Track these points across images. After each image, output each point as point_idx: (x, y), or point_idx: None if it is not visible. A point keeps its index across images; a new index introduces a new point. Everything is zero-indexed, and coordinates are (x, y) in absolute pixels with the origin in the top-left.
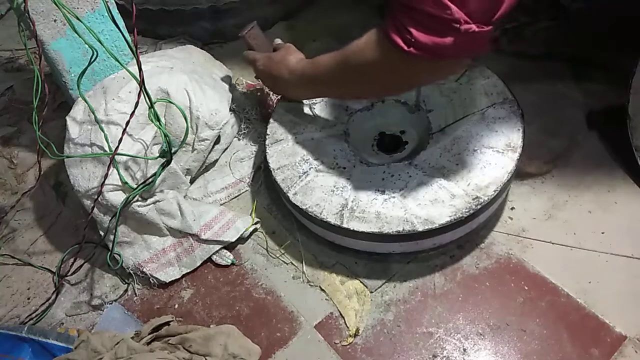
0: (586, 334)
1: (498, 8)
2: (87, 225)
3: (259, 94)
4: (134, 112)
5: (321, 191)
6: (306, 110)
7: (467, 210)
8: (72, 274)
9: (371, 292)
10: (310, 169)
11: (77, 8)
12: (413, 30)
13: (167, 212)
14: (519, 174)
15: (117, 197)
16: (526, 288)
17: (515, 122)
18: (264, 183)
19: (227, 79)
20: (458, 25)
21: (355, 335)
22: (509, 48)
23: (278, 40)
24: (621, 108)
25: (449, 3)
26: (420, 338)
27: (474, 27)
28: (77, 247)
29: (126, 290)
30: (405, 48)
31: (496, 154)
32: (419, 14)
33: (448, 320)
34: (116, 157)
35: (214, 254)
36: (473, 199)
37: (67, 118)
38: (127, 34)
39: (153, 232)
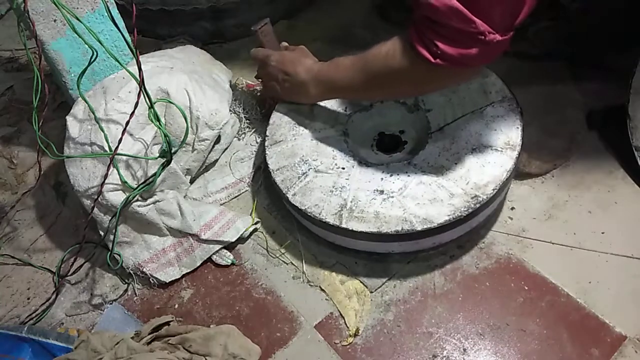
0: (586, 334)
1: (518, 15)
2: (87, 225)
3: (259, 94)
4: (134, 112)
5: (320, 192)
6: (305, 111)
7: (466, 209)
8: (72, 274)
9: (371, 292)
10: (309, 169)
11: (77, 8)
12: (439, 43)
13: (167, 212)
14: (519, 174)
15: (117, 197)
16: (526, 288)
17: (514, 120)
18: (264, 183)
19: (227, 79)
20: (483, 37)
21: (355, 335)
22: (509, 48)
23: (285, 44)
24: (621, 108)
25: (474, 17)
26: (420, 338)
27: (498, 36)
28: (77, 247)
29: (126, 290)
30: (432, 60)
31: (495, 153)
32: (444, 27)
33: (448, 320)
34: (116, 157)
35: (214, 254)
36: (472, 198)
37: (67, 118)
38: (127, 34)
39: (153, 232)
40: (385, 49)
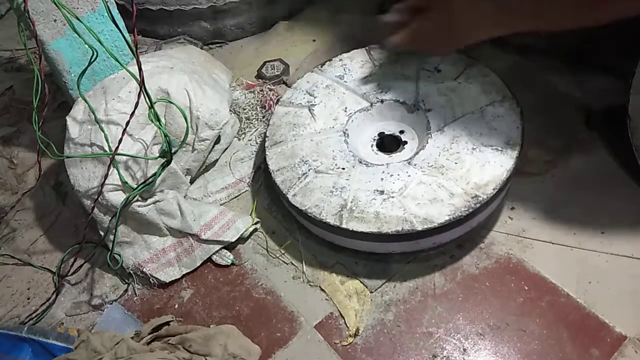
0: (586, 334)
1: None
2: (87, 225)
3: (259, 94)
4: (134, 112)
5: (320, 192)
6: (305, 111)
7: (466, 209)
8: (72, 274)
9: (371, 292)
10: (309, 170)
11: (77, 8)
12: None
13: (167, 212)
14: (519, 173)
15: (117, 197)
16: (526, 288)
17: (514, 120)
18: (264, 183)
19: (227, 79)
20: None
21: (355, 335)
22: (511, 42)
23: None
24: (621, 108)
25: None
26: (420, 338)
27: None
28: (77, 247)
29: (126, 290)
30: None
31: (495, 152)
32: None
33: (448, 320)
34: (116, 157)
35: (214, 254)
36: (472, 198)
37: (67, 118)
38: (127, 34)
39: (153, 232)
40: None
